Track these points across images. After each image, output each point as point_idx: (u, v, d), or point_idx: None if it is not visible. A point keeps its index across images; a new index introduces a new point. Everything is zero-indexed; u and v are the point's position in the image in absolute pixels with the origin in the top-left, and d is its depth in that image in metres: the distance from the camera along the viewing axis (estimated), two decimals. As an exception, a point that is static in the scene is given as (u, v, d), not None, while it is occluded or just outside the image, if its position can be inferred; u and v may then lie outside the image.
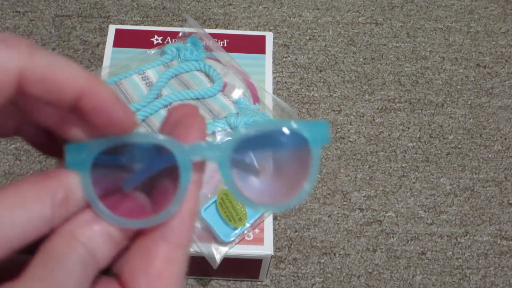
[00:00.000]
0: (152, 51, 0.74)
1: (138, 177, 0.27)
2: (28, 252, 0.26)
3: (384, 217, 0.76)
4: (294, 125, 0.26)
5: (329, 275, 0.72)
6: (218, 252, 0.62)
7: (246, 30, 0.89)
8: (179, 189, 0.25)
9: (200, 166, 0.26)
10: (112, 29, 0.76)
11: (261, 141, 0.27)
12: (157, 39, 0.76)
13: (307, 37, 0.90)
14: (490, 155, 0.81)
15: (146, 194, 0.26)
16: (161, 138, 0.25)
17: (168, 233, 0.25)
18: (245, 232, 0.63)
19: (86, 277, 0.23)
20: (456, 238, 0.75)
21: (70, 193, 0.24)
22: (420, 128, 0.82)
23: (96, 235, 0.24)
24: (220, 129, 0.66)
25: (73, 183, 0.24)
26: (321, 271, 0.72)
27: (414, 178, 0.78)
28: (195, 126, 0.26)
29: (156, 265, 0.24)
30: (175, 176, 0.25)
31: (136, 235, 0.26)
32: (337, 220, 0.75)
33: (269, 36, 0.77)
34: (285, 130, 0.26)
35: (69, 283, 0.23)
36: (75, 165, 0.25)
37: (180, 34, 0.75)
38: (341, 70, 0.87)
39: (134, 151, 0.26)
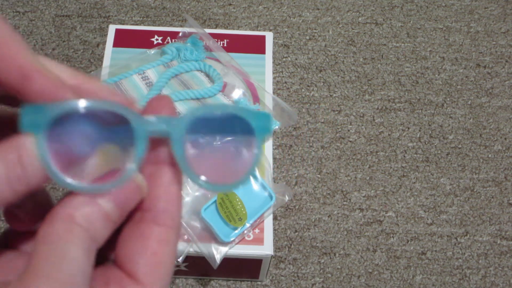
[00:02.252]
0: (152, 51, 0.74)
1: (95, 144, 0.26)
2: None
3: (384, 217, 0.76)
4: (241, 112, 0.27)
5: (329, 275, 0.72)
6: (218, 252, 0.62)
7: (246, 30, 0.89)
8: (134, 158, 0.25)
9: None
10: (112, 29, 0.76)
11: (213, 123, 0.28)
12: (157, 39, 0.76)
13: (307, 37, 0.90)
14: (490, 155, 0.81)
15: (104, 162, 0.27)
16: (118, 105, 0.25)
17: (158, 216, 0.26)
18: (245, 232, 0.63)
19: (89, 261, 0.24)
20: (456, 238, 0.75)
21: (23, 153, 0.24)
22: (420, 128, 0.82)
23: (94, 216, 0.24)
24: (220, 129, 0.66)
25: (25, 144, 0.24)
26: (321, 271, 0.72)
27: (414, 178, 0.78)
28: (162, 105, 0.27)
29: (151, 246, 0.25)
30: (131, 147, 0.26)
31: (128, 216, 0.26)
32: (337, 220, 0.75)
33: (269, 36, 0.77)
34: (235, 116, 0.27)
35: (77, 275, 0.23)
36: (30, 126, 0.24)
37: (180, 34, 0.75)
38: (341, 70, 0.87)
39: (93, 118, 0.26)
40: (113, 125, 0.26)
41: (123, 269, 0.26)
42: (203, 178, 0.27)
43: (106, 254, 0.27)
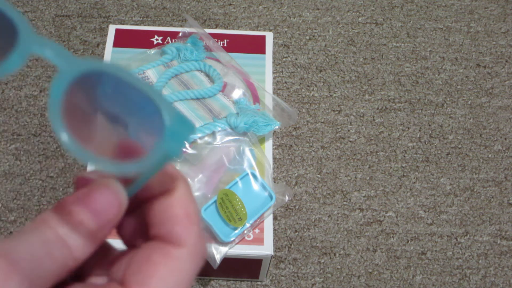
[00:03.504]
0: (152, 51, 0.74)
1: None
2: None
3: (384, 217, 0.76)
4: (148, 88, 0.24)
5: (329, 275, 0.72)
6: (218, 252, 0.62)
7: (246, 30, 0.89)
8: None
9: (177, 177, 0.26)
10: (112, 29, 0.76)
11: (117, 90, 0.24)
12: (157, 39, 0.76)
13: (307, 37, 0.90)
14: (490, 155, 0.81)
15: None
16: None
17: (173, 236, 0.25)
18: (245, 232, 0.63)
19: (51, 259, 0.23)
20: (456, 238, 0.75)
21: (57, 229, 0.23)
22: (420, 128, 0.82)
23: (67, 222, 0.23)
24: (220, 129, 0.67)
25: (54, 218, 0.24)
26: (321, 271, 0.72)
27: (414, 178, 0.78)
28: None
29: (162, 273, 0.25)
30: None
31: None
32: (337, 220, 0.75)
33: (269, 36, 0.77)
34: (152, 103, 0.24)
35: (25, 253, 0.22)
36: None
37: (180, 34, 0.75)
38: (341, 70, 0.87)
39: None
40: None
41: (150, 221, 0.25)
42: (67, 135, 0.23)
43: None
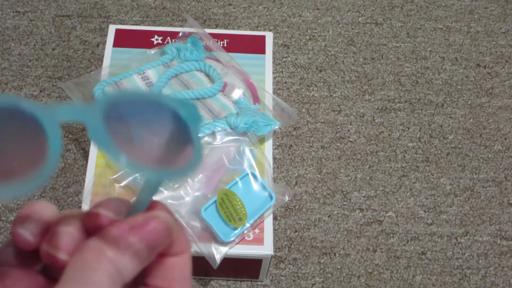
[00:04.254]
0: (152, 51, 0.74)
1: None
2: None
3: (384, 217, 0.76)
4: (166, 100, 0.26)
5: (329, 275, 0.72)
6: (218, 252, 0.62)
7: (246, 30, 0.89)
8: (47, 156, 0.24)
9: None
10: (112, 29, 0.76)
11: (136, 109, 0.27)
12: (157, 39, 0.76)
13: (307, 37, 0.90)
14: (490, 155, 0.81)
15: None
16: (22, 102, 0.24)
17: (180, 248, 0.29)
18: (245, 232, 0.63)
19: None
20: (456, 238, 0.75)
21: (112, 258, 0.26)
22: (420, 128, 0.82)
23: (122, 252, 0.25)
24: (220, 129, 0.66)
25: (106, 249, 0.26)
26: (321, 271, 0.72)
27: (414, 178, 0.78)
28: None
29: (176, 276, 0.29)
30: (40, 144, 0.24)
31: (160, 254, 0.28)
32: (337, 220, 0.75)
33: (269, 36, 0.77)
34: (160, 104, 0.26)
35: None
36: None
37: (180, 34, 0.75)
38: (341, 70, 0.87)
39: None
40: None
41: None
42: (140, 164, 0.25)
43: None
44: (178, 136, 0.27)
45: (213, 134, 0.66)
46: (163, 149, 0.28)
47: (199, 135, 0.27)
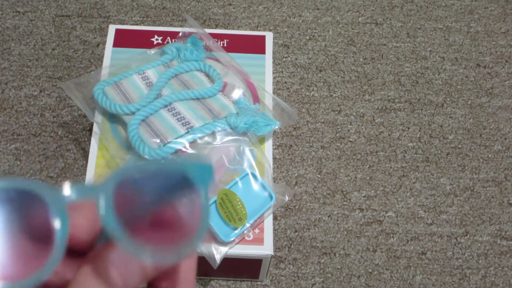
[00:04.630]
0: (152, 51, 0.74)
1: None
2: None
3: (384, 217, 0.76)
4: (176, 166, 0.26)
5: (329, 275, 0.72)
6: (218, 252, 0.62)
7: (246, 30, 0.89)
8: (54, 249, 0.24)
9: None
10: (112, 29, 0.76)
11: (146, 182, 0.27)
12: (157, 39, 0.76)
13: (307, 37, 0.90)
14: (490, 155, 0.81)
15: None
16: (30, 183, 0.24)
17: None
18: (245, 232, 0.63)
19: None
20: (456, 238, 0.75)
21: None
22: (420, 128, 0.82)
23: (132, 270, 0.26)
24: (220, 129, 0.66)
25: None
26: (321, 271, 0.72)
27: (414, 178, 0.78)
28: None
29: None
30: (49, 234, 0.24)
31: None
32: (337, 220, 0.75)
33: (269, 36, 0.77)
34: (169, 172, 0.26)
35: None
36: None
37: (180, 34, 0.75)
38: (341, 70, 0.87)
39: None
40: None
41: None
42: (147, 248, 0.25)
43: None
44: (187, 200, 0.27)
45: (213, 134, 0.66)
46: (172, 218, 0.28)
47: (207, 190, 0.27)
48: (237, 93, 0.70)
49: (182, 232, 0.27)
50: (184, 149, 0.64)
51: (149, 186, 0.27)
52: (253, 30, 0.90)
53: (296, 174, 0.78)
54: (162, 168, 0.26)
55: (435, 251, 0.74)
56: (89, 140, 0.78)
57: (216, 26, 0.90)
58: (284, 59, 0.88)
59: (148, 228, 0.27)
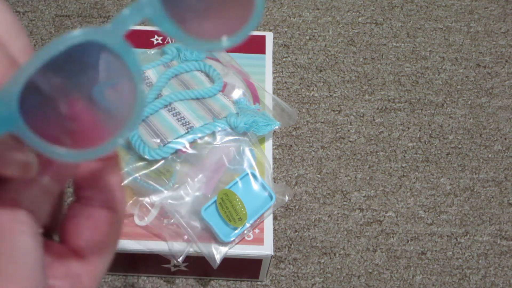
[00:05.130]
0: (152, 51, 0.74)
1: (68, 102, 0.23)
2: None
3: (384, 217, 0.76)
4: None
5: (329, 275, 0.72)
6: (218, 252, 0.62)
7: (246, 30, 0.89)
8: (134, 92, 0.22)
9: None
10: (112, 29, 0.76)
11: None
12: (157, 39, 0.76)
13: (307, 37, 0.90)
14: (490, 155, 0.81)
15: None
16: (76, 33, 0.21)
17: (105, 200, 0.26)
18: (245, 232, 0.63)
19: (39, 246, 0.23)
20: (456, 238, 0.75)
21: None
22: (420, 128, 0.82)
23: (37, 195, 0.24)
24: (220, 129, 0.67)
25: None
26: (321, 271, 0.72)
27: (414, 178, 0.78)
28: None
29: (99, 227, 0.26)
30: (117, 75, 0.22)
31: (76, 197, 0.26)
32: (337, 220, 0.75)
33: (269, 36, 0.77)
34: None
35: (33, 266, 0.22)
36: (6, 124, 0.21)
37: (180, 34, 0.75)
38: (341, 70, 0.87)
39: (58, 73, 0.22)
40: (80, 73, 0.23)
41: (67, 246, 0.26)
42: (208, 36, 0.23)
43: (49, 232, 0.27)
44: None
45: (213, 134, 0.66)
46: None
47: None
48: (237, 93, 0.70)
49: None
50: (184, 149, 0.64)
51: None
52: (253, 30, 0.90)
53: (296, 174, 0.78)
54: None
55: (435, 251, 0.74)
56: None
57: (216, 26, 0.90)
58: (284, 59, 0.88)
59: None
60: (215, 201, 0.63)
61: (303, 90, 0.85)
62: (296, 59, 0.88)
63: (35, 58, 0.21)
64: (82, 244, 0.26)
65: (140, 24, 0.89)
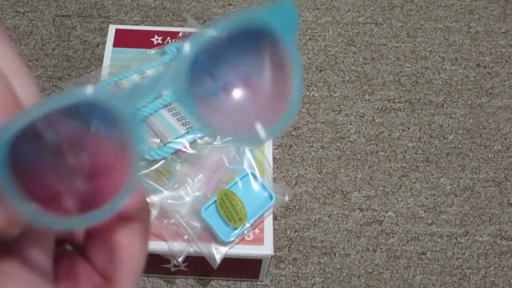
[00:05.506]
0: (152, 51, 0.74)
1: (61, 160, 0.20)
2: None
3: (384, 217, 0.76)
4: (251, 15, 0.18)
5: (329, 275, 0.72)
6: (218, 252, 0.62)
7: (246, 30, 0.89)
8: (130, 156, 0.19)
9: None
10: (112, 29, 0.76)
11: (218, 50, 0.20)
12: (157, 39, 0.76)
13: (307, 37, 0.90)
14: (490, 155, 0.81)
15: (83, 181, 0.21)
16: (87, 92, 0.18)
17: (111, 270, 0.22)
18: (245, 232, 0.63)
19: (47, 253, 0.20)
20: (456, 238, 0.75)
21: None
22: (420, 128, 0.82)
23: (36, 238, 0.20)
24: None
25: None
26: (321, 271, 0.72)
27: (414, 178, 0.78)
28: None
29: (126, 255, 0.22)
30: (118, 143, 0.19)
31: None
32: (337, 220, 0.75)
33: (269, 36, 0.77)
34: (239, 27, 0.19)
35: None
36: None
37: (180, 34, 0.75)
38: (341, 70, 0.87)
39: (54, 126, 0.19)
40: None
41: (92, 264, 0.23)
42: (233, 128, 0.19)
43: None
44: (270, 63, 0.20)
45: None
46: (256, 90, 0.21)
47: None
48: (237, 93, 0.70)
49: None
50: (184, 149, 0.64)
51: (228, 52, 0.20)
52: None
53: (296, 174, 0.78)
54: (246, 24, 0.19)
55: (435, 251, 0.74)
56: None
57: (216, 26, 0.90)
58: (284, 59, 0.88)
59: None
60: (215, 201, 0.63)
61: (303, 90, 0.85)
62: (296, 59, 0.88)
63: (39, 105, 0.18)
64: (109, 271, 0.22)
65: (140, 24, 0.89)
